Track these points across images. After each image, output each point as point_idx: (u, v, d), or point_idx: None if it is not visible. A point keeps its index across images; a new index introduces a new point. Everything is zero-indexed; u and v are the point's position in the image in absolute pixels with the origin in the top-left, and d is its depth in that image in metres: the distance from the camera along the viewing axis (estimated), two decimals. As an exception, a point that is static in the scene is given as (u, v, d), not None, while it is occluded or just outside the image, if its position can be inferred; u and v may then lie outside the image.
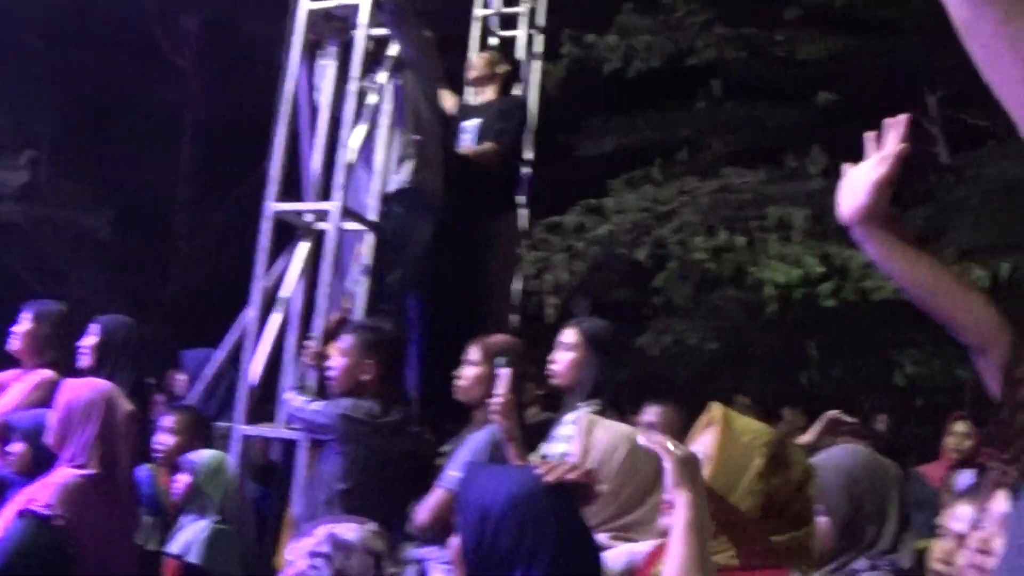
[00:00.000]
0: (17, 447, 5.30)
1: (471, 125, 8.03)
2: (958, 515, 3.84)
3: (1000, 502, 3.05)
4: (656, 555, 3.30)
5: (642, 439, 3.06)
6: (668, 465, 2.88)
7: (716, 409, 3.15)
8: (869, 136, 2.82)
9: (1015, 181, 11.94)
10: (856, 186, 2.75)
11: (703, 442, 3.07)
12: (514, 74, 8.49)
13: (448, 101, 8.31)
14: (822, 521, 3.66)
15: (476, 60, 8.31)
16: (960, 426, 7.51)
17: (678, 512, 2.84)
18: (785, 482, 3.01)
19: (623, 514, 3.79)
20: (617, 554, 3.41)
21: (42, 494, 4.64)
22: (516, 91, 8.52)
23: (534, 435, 5.52)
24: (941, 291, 2.66)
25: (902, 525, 3.93)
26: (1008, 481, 2.69)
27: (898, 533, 3.88)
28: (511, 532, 2.86)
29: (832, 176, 11.57)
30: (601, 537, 3.60)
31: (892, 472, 4.09)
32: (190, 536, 5.63)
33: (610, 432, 3.96)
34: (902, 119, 2.79)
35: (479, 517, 2.91)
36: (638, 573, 3.32)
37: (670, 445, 2.94)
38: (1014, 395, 2.54)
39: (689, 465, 2.90)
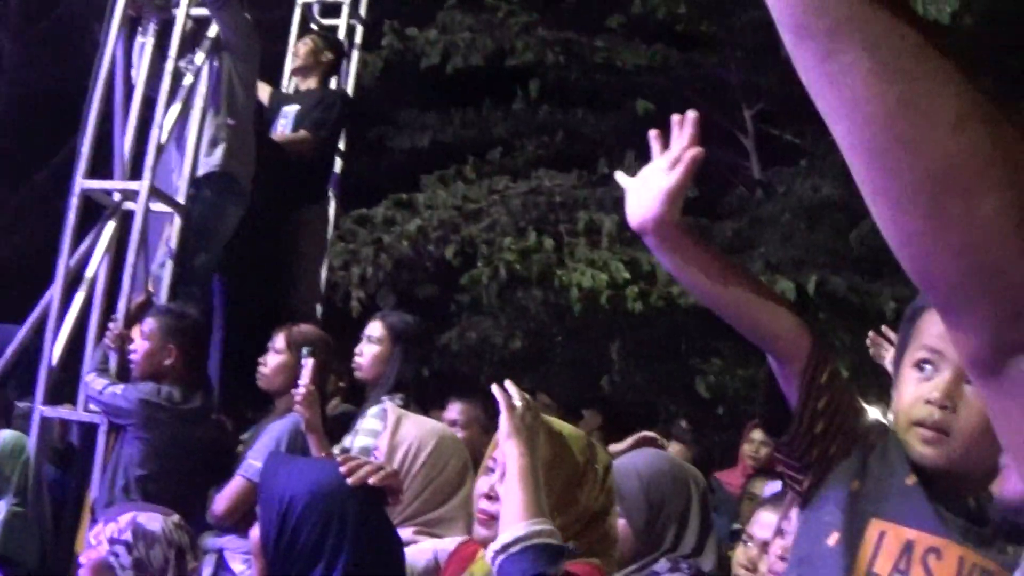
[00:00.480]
0: None
1: (290, 111, 8.00)
2: (762, 522, 3.93)
3: None
4: (462, 550, 3.32)
5: (495, 388, 3.06)
6: (505, 415, 2.90)
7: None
8: (654, 134, 2.73)
9: (824, 198, 12.23)
10: (647, 193, 2.66)
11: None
12: (338, 64, 8.47)
13: (263, 91, 8.26)
14: (620, 524, 3.72)
15: (301, 47, 8.24)
16: (757, 434, 7.65)
17: (509, 462, 2.87)
18: (597, 484, 3.05)
19: (429, 510, 3.81)
20: (421, 550, 3.42)
21: None
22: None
23: (336, 427, 5.51)
24: (742, 300, 2.65)
25: (704, 530, 4.01)
26: (799, 490, 2.74)
27: (701, 537, 3.95)
28: (313, 526, 2.85)
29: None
30: (406, 533, 3.62)
31: (694, 477, 4.16)
32: (-12, 514, 5.51)
33: (418, 427, 3.97)
34: (691, 117, 2.67)
35: (281, 510, 2.88)
36: (443, 569, 3.33)
37: (515, 396, 2.97)
38: (812, 405, 2.59)
39: (525, 418, 2.93)
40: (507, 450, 2.88)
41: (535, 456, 2.89)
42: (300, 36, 8.78)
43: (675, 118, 2.68)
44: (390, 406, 4.88)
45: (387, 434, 3.84)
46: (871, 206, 1.07)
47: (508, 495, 2.85)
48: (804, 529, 2.69)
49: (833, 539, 2.57)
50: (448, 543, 3.44)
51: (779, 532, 3.50)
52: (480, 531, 3.09)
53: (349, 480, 2.92)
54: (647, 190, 2.64)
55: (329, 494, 2.92)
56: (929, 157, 1.01)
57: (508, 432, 2.89)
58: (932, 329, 2.53)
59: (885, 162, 1.03)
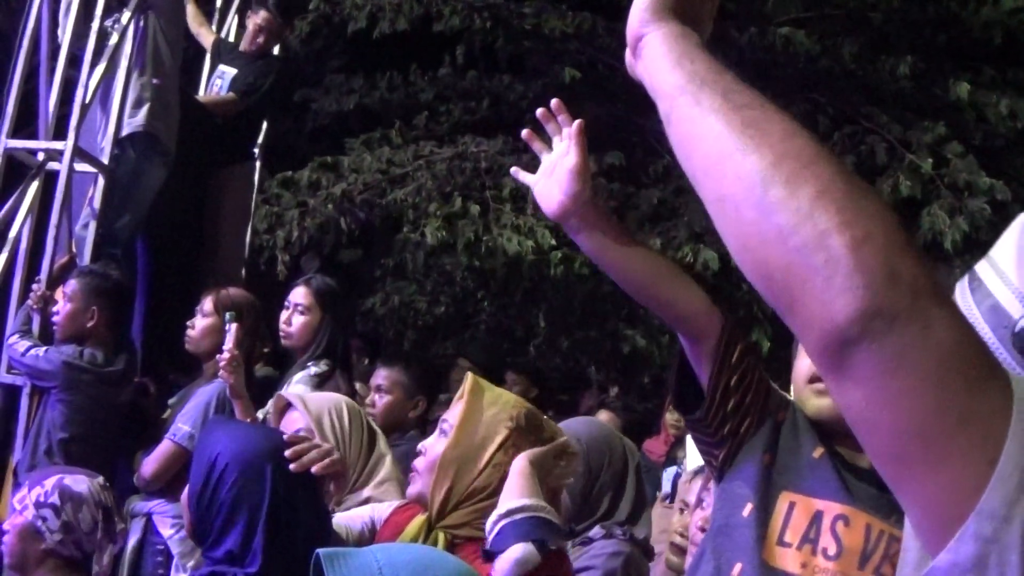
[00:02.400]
0: None
1: (228, 72, 8.01)
2: (694, 490, 3.98)
3: None
4: (397, 514, 3.33)
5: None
6: None
7: (469, 379, 3.17)
8: (527, 134, 2.93)
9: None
10: (555, 180, 2.75)
11: (453, 412, 3.11)
12: (282, 31, 8.47)
13: (207, 38, 8.27)
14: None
15: (259, 17, 8.20)
16: (680, 402, 7.72)
17: (517, 459, 2.96)
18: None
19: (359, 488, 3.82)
20: (358, 514, 3.43)
21: None
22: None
23: (262, 391, 5.50)
24: (658, 281, 2.70)
25: (640, 499, 4.05)
26: (714, 464, 2.78)
27: (636, 506, 4.00)
28: (232, 484, 2.88)
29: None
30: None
31: (629, 448, 4.21)
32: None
33: (325, 400, 3.96)
34: (556, 105, 2.87)
35: (207, 466, 2.91)
36: (379, 533, 3.34)
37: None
38: (724, 382, 2.64)
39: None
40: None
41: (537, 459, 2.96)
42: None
43: (542, 112, 2.86)
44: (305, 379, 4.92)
45: (305, 417, 3.83)
46: (714, 217, 1.24)
47: (512, 480, 2.89)
48: (720, 501, 2.75)
49: (747, 510, 2.64)
50: (384, 507, 3.45)
51: (699, 503, 3.54)
52: (409, 489, 3.12)
53: (292, 466, 2.94)
54: (554, 177, 2.75)
55: (252, 456, 2.94)
56: (754, 160, 1.17)
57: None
58: None
59: (721, 173, 1.22)
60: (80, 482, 3.65)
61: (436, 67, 13.79)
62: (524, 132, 2.92)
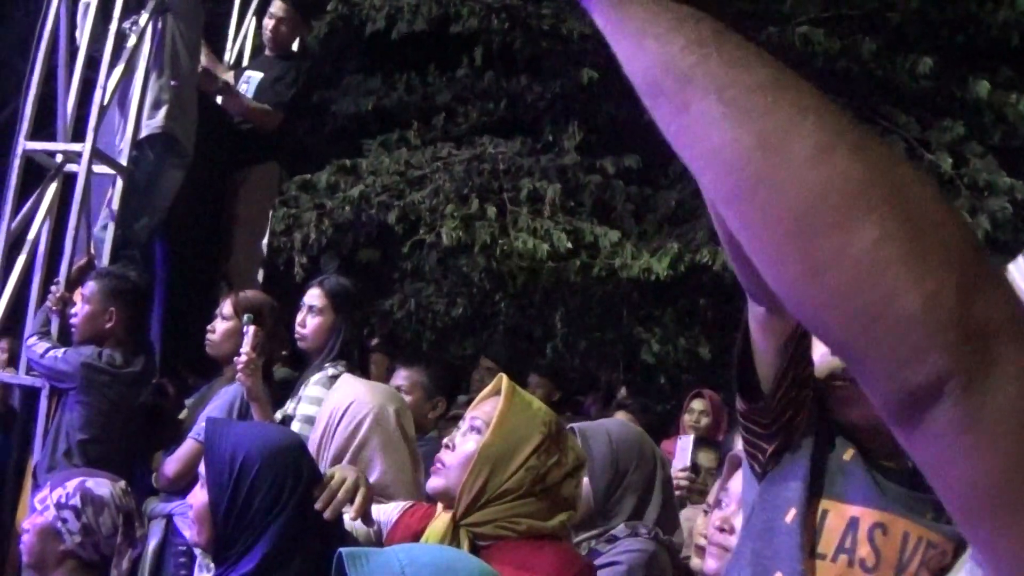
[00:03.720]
0: None
1: (254, 77, 8.02)
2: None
3: (740, 480, 3.13)
4: (410, 514, 3.33)
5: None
6: None
7: (503, 380, 3.16)
8: None
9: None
10: None
11: (484, 410, 3.10)
12: (305, 28, 8.49)
13: (222, 73, 8.28)
14: (584, 484, 3.75)
15: (276, 13, 8.20)
16: (697, 403, 7.68)
17: None
18: (558, 464, 3.06)
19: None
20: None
21: None
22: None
23: (279, 393, 5.50)
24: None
25: (668, 505, 4.04)
26: (760, 459, 2.74)
27: (664, 511, 3.99)
28: (269, 489, 2.85)
29: (588, 153, 11.68)
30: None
31: (660, 456, 4.20)
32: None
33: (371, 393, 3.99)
34: None
35: (233, 473, 2.87)
36: (389, 534, 3.33)
37: None
38: (794, 370, 2.57)
39: None
40: None
41: None
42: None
43: None
44: (345, 375, 4.91)
45: (331, 401, 3.83)
46: (753, 259, 0.99)
47: None
48: (763, 502, 2.69)
49: (790, 515, 2.58)
50: (390, 509, 3.44)
51: (717, 503, 3.53)
52: (433, 482, 3.12)
53: (326, 514, 2.92)
54: None
55: (282, 455, 2.92)
56: (792, 195, 0.94)
57: None
58: None
59: (751, 208, 0.96)
60: (102, 485, 3.64)
61: (454, 68, 13.77)
62: None
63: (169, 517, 5.43)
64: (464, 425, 3.12)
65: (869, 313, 0.93)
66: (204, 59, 8.10)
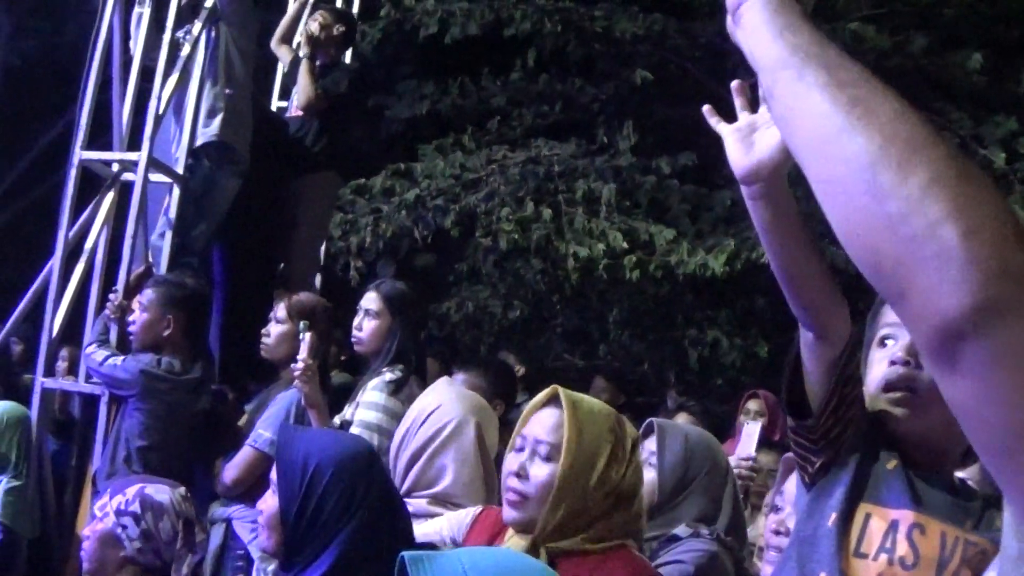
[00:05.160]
0: None
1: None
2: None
3: (796, 484, 3.12)
4: (484, 518, 3.31)
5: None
6: None
7: (561, 395, 3.10)
8: (737, 85, 2.66)
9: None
10: (761, 139, 2.56)
11: (548, 427, 3.06)
12: (351, 35, 8.50)
13: (285, 56, 8.32)
14: (650, 478, 3.74)
15: (312, 23, 8.23)
16: (753, 404, 7.62)
17: None
18: (626, 464, 3.03)
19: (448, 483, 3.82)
20: (433, 530, 3.41)
21: None
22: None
23: (336, 397, 5.50)
24: (813, 274, 2.60)
25: (737, 514, 4.02)
26: (809, 471, 2.74)
27: (733, 520, 3.96)
28: (340, 495, 2.85)
29: (643, 154, 11.66)
30: (419, 503, 3.63)
31: (729, 465, 4.18)
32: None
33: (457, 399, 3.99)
34: None
35: (305, 480, 2.88)
36: (466, 537, 3.32)
37: None
38: (840, 391, 2.59)
39: None
40: None
41: None
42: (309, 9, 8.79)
43: (735, 85, 2.64)
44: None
45: (419, 402, 3.83)
46: (826, 202, 1.19)
47: None
48: (809, 509, 2.71)
49: (831, 520, 2.61)
50: (461, 515, 3.43)
51: (773, 508, 3.50)
52: (510, 513, 3.07)
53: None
54: (761, 136, 2.56)
55: (353, 461, 2.92)
56: (870, 140, 1.14)
57: None
58: (890, 313, 2.55)
59: (837, 149, 1.17)
60: (162, 491, 3.65)
61: (508, 72, 13.78)
62: (735, 83, 2.65)
63: (228, 522, 5.45)
64: (527, 446, 3.07)
65: (917, 238, 1.06)
66: (274, 39, 8.17)
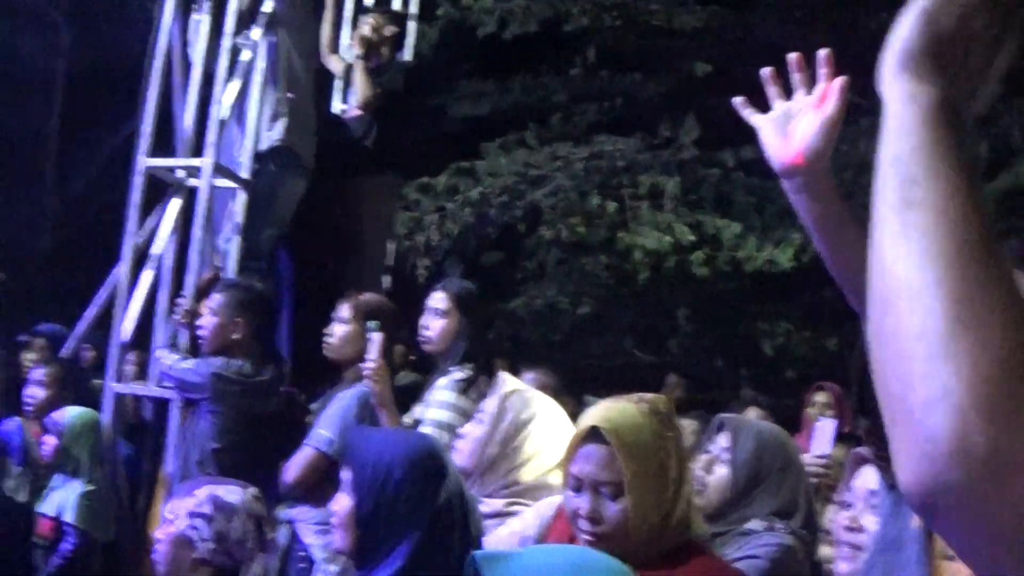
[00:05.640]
0: None
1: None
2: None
3: (865, 479, 3.08)
4: (562, 513, 3.30)
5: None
6: None
7: (599, 425, 3.02)
8: (768, 74, 2.61)
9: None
10: (798, 129, 2.50)
11: (599, 464, 2.99)
12: (402, 35, 8.52)
13: (336, 64, 8.35)
14: (724, 473, 3.72)
15: (364, 26, 8.26)
16: (820, 396, 7.56)
17: None
18: (685, 463, 3.02)
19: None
20: (508, 532, 3.42)
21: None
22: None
23: (405, 397, 5.50)
24: (859, 262, 2.54)
25: (810, 511, 3.98)
26: (890, 470, 2.69)
27: (807, 520, 3.93)
28: (412, 493, 2.86)
29: (707, 147, 11.61)
30: (497, 504, 3.63)
31: (802, 464, 4.15)
32: (63, 497, 5.56)
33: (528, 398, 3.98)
34: (822, 55, 2.53)
35: (378, 480, 2.89)
36: (550, 532, 3.32)
37: None
38: None
39: None
40: None
41: None
42: (356, 9, 8.82)
43: (796, 58, 2.57)
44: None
45: (494, 400, 3.83)
46: (870, 312, 1.10)
47: None
48: (894, 510, 2.67)
49: (915, 522, 2.56)
50: (542, 508, 3.43)
51: (844, 504, 3.47)
52: (598, 545, 3.05)
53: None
54: (794, 126, 2.50)
55: (424, 461, 2.93)
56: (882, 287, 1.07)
57: None
58: None
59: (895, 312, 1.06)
60: (233, 493, 3.67)
61: (567, 68, 13.75)
62: (766, 71, 2.59)
63: (291, 524, 5.45)
64: (585, 487, 3.00)
65: (900, 388, 1.00)
66: (323, 49, 8.22)
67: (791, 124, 2.51)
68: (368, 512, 2.89)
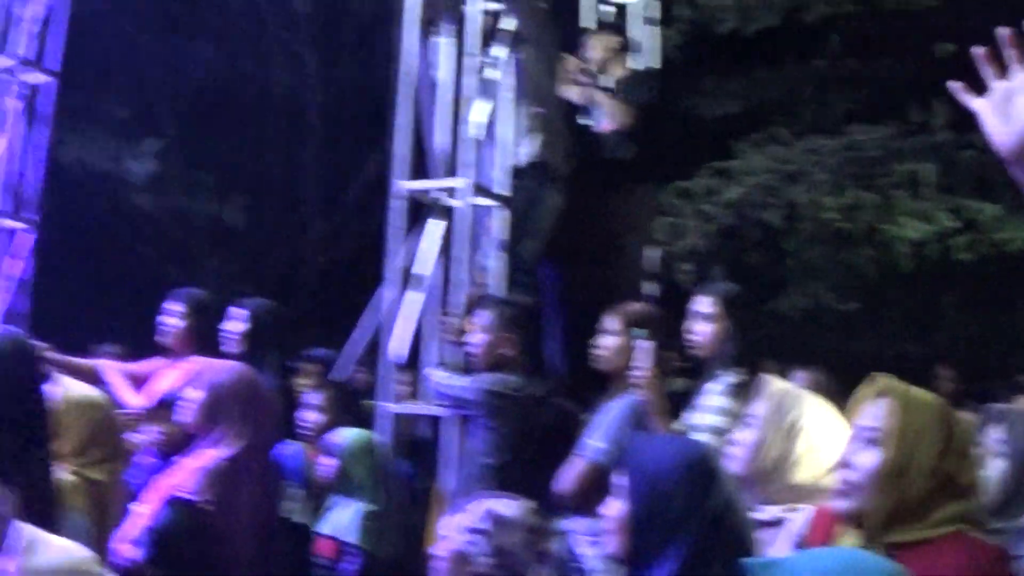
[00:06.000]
0: (169, 427, 5.38)
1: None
2: None
3: None
4: (818, 520, 3.26)
5: None
6: None
7: (884, 381, 3.04)
8: (981, 53, 2.38)
9: None
10: (1020, 109, 2.29)
11: (874, 415, 2.98)
12: (626, 44, 8.51)
13: (574, 93, 8.39)
14: (1000, 464, 3.62)
15: (592, 47, 8.29)
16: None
17: None
18: (962, 457, 2.94)
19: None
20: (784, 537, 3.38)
21: (187, 479, 4.67)
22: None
23: (675, 404, 5.46)
24: None
25: None
26: None
27: None
28: (683, 498, 2.85)
29: (959, 128, 11.33)
30: (774, 510, 3.58)
31: None
32: (342, 517, 5.66)
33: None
34: None
35: (650, 485, 2.89)
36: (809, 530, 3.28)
37: None
38: None
39: None
40: None
41: None
42: (596, 21, 8.86)
43: (1009, 34, 2.36)
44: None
45: (763, 403, 3.80)
46: None
47: None
48: None
49: None
50: (799, 517, 3.39)
51: None
52: (839, 502, 3.01)
53: None
54: (1020, 103, 2.31)
55: (698, 467, 2.92)
56: None
57: None
58: None
59: None
60: (509, 507, 3.69)
61: (812, 58, 13.54)
62: (978, 50, 2.37)
63: (566, 535, 5.46)
64: (856, 437, 3.00)
65: None
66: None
67: (1011, 104, 2.32)
68: (641, 517, 2.89)
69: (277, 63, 17.77)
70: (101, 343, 10.26)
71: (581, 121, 8.28)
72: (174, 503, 4.60)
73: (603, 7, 9.10)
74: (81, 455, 4.82)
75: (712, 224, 12.22)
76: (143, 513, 4.64)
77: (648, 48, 8.94)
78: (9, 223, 9.38)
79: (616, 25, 8.86)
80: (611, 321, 5.78)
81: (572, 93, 8.38)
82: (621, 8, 9.11)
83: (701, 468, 2.92)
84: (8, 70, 9.47)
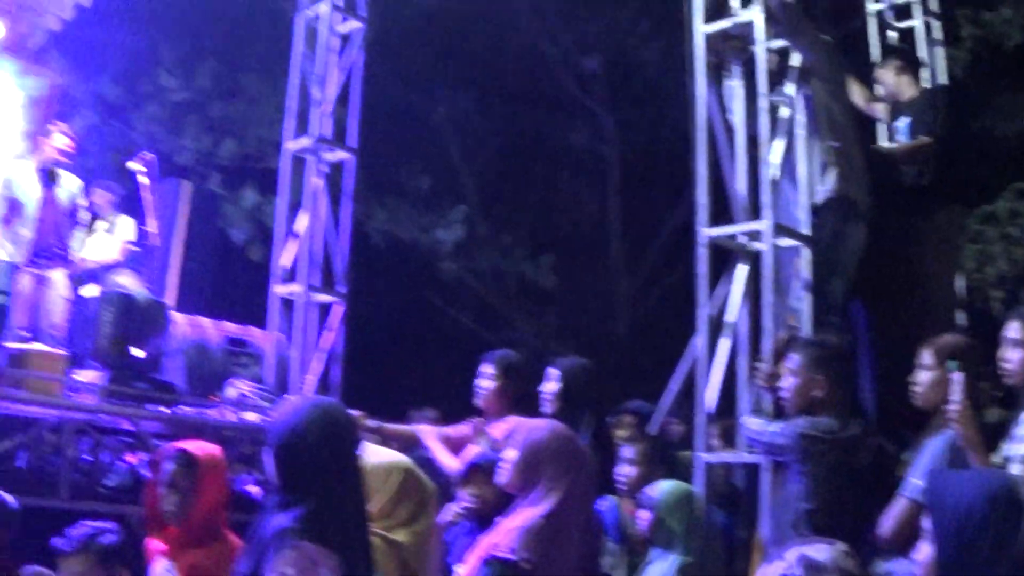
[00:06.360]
0: (483, 490, 5.52)
1: (902, 124, 8.00)
2: None
3: None
4: None
5: None
6: None
7: None
8: None
9: None
10: None
11: None
12: (914, 63, 8.42)
13: (880, 108, 8.30)
14: None
15: (882, 77, 8.22)
16: None
17: None
18: None
19: None
20: None
21: (506, 539, 4.75)
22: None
23: (993, 436, 5.29)
24: None
25: None
26: None
27: None
28: (991, 536, 2.78)
29: None
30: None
31: None
32: (660, 570, 5.68)
33: None
34: None
35: (958, 522, 2.82)
36: None
37: None
38: None
39: None
40: None
41: None
42: (883, 49, 8.79)
43: None
44: None
45: None
46: None
47: None
48: None
49: None
50: None
51: None
52: None
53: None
54: None
55: (1005, 501, 2.84)
56: None
57: None
58: None
59: None
60: (822, 551, 3.65)
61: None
62: None
63: (889, 576, 5.34)
64: None
65: None
66: (859, 100, 8.15)
67: None
68: (949, 559, 2.82)
69: (574, 122, 18.02)
70: (420, 408, 10.57)
71: (885, 145, 8.18)
72: (492, 563, 4.69)
73: (889, 32, 9.02)
74: (386, 518, 4.97)
75: (1020, 247, 11.81)
76: (463, 575, 4.75)
77: (937, 69, 8.81)
78: (322, 297, 9.81)
79: (903, 49, 8.76)
80: (925, 355, 5.66)
81: (875, 110, 8.31)
82: (904, 33, 9.00)
83: (1008, 503, 2.83)
84: (310, 150, 9.95)
